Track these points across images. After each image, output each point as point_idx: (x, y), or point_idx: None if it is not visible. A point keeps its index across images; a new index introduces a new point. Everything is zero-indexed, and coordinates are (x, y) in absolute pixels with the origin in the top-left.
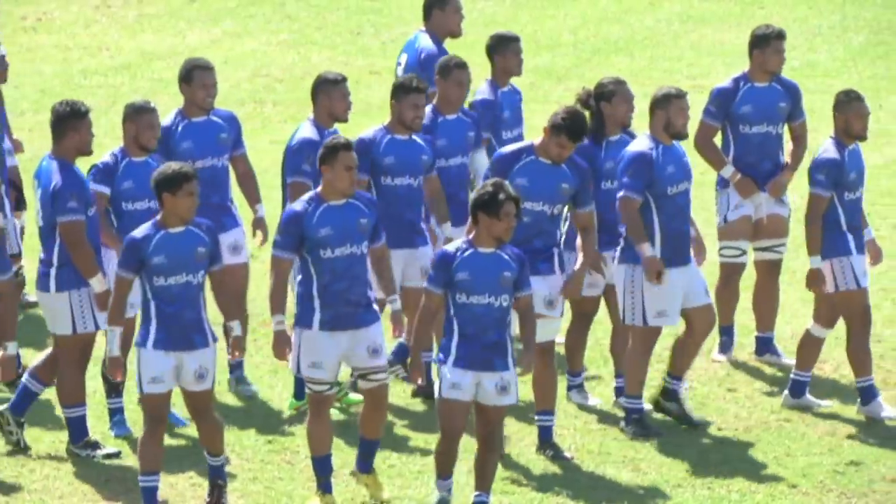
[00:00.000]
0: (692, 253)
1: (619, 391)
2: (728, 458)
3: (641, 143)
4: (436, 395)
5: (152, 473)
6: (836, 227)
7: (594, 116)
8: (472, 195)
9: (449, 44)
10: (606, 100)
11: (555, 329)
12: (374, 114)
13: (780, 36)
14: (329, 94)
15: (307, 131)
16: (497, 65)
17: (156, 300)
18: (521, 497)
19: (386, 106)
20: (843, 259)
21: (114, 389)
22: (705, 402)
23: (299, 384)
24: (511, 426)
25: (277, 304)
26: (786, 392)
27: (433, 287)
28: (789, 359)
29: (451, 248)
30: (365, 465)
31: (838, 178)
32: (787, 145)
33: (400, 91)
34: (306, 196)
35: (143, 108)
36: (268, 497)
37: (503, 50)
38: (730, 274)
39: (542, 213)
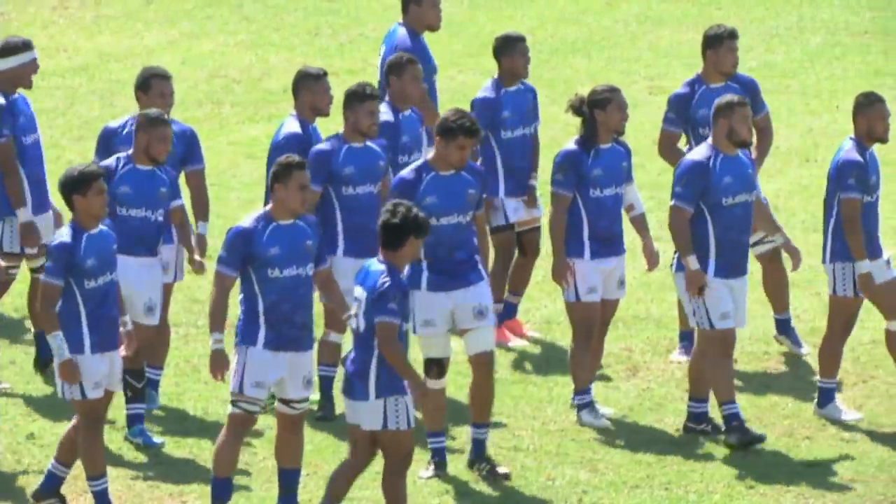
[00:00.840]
0: (790, 260)
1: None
2: (686, 459)
3: (700, 151)
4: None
5: (101, 476)
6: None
7: (586, 123)
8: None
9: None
10: (601, 107)
11: (489, 339)
12: (332, 114)
13: (732, 35)
14: (311, 88)
15: (292, 126)
16: (503, 65)
17: (86, 303)
18: (477, 498)
19: None
20: (847, 265)
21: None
22: (663, 404)
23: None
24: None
25: (217, 322)
26: None
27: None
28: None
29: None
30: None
31: (865, 180)
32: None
33: (354, 99)
34: (254, 214)
35: (157, 119)
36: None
37: (510, 51)
38: None
39: (459, 225)
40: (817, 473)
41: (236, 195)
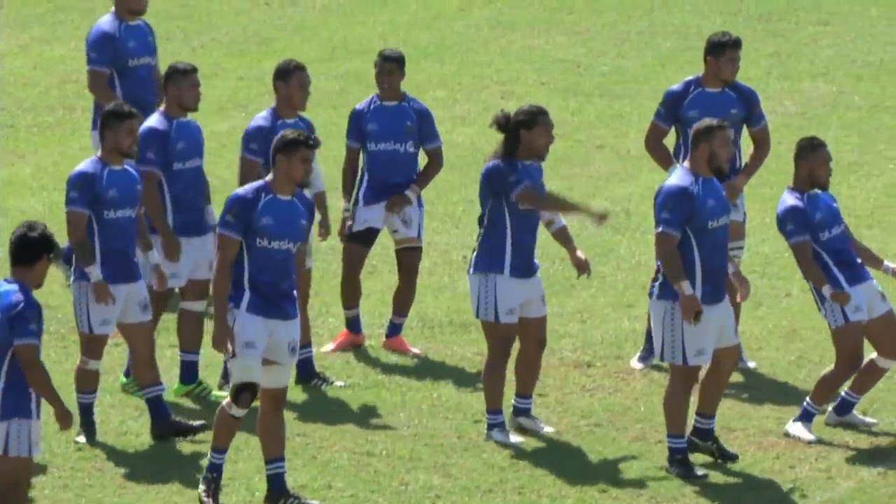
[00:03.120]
0: (737, 289)
1: (517, 410)
2: (538, 463)
3: (681, 177)
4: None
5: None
6: (825, 266)
7: (508, 140)
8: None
9: (257, 51)
10: (527, 128)
11: (288, 376)
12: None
13: (735, 44)
14: (178, 84)
15: (152, 120)
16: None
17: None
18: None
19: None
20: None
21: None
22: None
23: (188, 366)
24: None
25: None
26: (830, 409)
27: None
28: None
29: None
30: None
31: (805, 222)
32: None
33: (113, 118)
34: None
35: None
36: None
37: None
38: None
39: (288, 253)
40: (670, 477)
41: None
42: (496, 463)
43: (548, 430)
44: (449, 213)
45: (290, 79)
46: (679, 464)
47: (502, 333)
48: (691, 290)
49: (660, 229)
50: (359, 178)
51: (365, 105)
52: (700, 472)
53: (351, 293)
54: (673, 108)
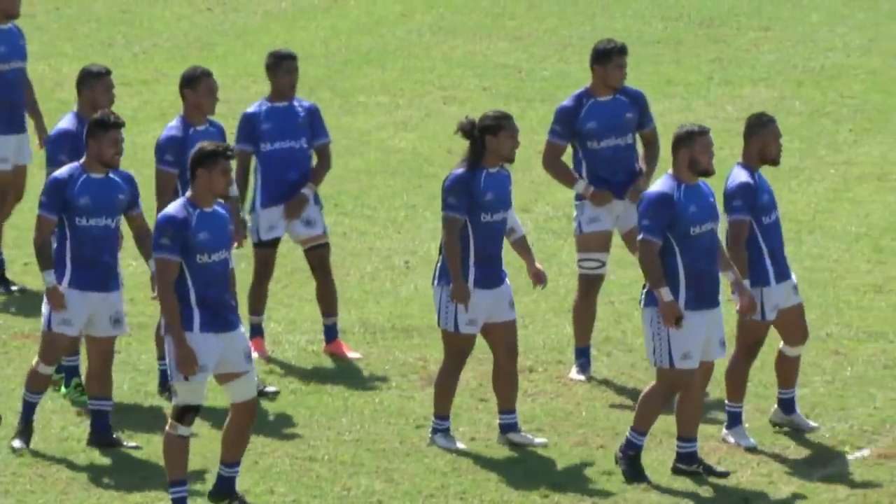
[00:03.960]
0: (736, 295)
1: (504, 427)
2: (480, 468)
3: (662, 183)
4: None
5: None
6: (758, 254)
7: (474, 147)
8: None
9: (198, 57)
10: (492, 133)
11: (254, 384)
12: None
13: (621, 51)
14: (92, 86)
15: (64, 122)
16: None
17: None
18: None
19: (138, 117)
20: (756, 291)
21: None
22: (458, 413)
23: (69, 370)
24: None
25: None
26: (775, 407)
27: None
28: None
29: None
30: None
31: (753, 201)
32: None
33: (98, 127)
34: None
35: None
36: None
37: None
38: (589, 286)
39: (226, 262)
40: (612, 482)
41: (30, 205)
42: (438, 468)
43: (539, 441)
44: (391, 219)
45: (198, 86)
46: (629, 461)
47: (460, 343)
48: (671, 297)
49: (641, 236)
50: (253, 183)
51: (256, 108)
52: (644, 477)
53: (259, 299)
54: (568, 124)
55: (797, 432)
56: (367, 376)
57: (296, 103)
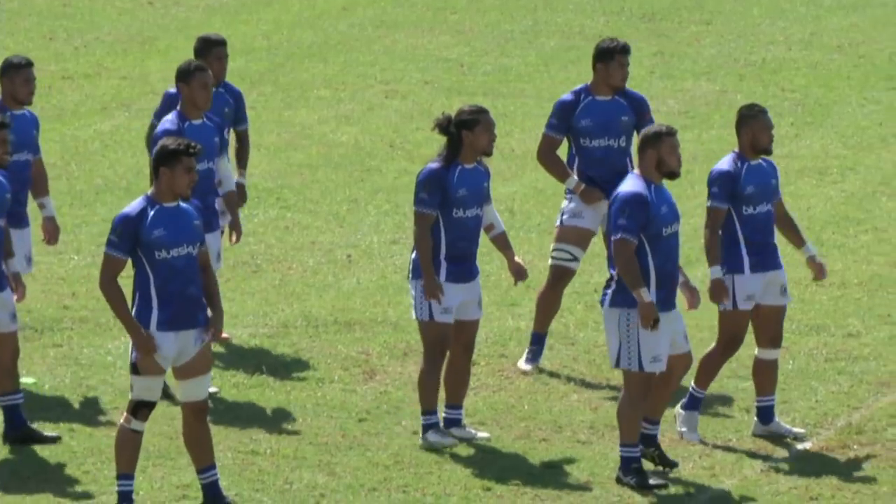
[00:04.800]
0: (686, 297)
1: (448, 422)
2: (423, 462)
3: (634, 183)
4: None
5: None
6: (734, 242)
7: (451, 142)
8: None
9: (140, 51)
10: (468, 128)
11: (207, 386)
12: (66, 119)
13: (624, 50)
14: (12, 78)
15: None
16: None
17: None
18: None
19: (80, 111)
20: (728, 277)
21: None
22: (400, 407)
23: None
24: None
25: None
26: (755, 420)
27: None
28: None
29: None
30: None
31: (732, 190)
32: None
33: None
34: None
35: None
36: None
37: (206, 53)
38: (558, 277)
39: (190, 257)
40: (554, 475)
41: None
42: (381, 461)
43: (482, 435)
44: (333, 213)
45: (192, 80)
46: (635, 473)
47: (436, 332)
48: (650, 298)
49: (618, 236)
50: None
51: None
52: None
53: None
54: (565, 118)
55: (739, 424)
56: (309, 370)
57: (224, 89)
